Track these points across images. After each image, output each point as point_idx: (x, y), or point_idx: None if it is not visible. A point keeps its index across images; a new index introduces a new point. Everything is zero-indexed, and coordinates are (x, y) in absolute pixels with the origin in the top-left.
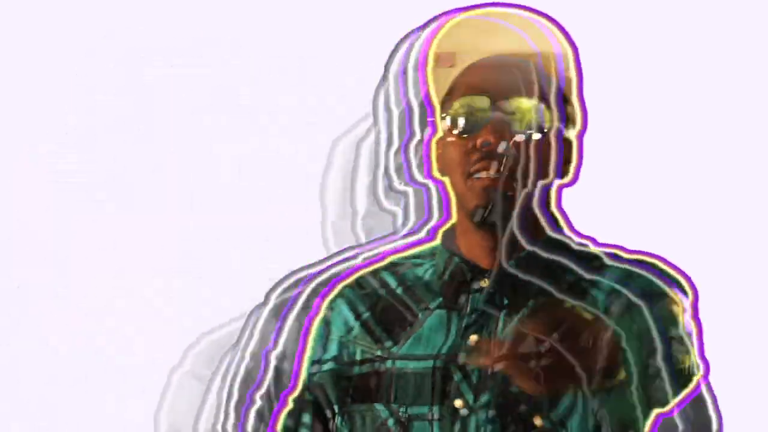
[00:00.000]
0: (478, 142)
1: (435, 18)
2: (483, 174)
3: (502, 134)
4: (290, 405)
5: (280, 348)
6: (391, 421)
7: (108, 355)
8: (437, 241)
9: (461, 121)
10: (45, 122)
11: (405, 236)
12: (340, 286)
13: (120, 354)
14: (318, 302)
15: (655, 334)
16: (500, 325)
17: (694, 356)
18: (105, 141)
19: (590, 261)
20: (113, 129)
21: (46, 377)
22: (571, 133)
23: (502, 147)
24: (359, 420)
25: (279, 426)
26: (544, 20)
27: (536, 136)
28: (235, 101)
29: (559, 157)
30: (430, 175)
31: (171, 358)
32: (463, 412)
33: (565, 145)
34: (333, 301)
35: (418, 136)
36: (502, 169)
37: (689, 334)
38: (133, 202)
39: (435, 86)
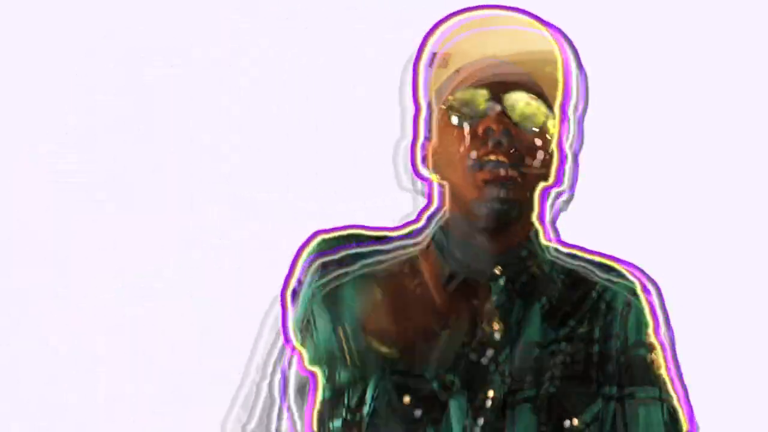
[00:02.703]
0: (480, 129)
1: (442, 20)
2: (490, 158)
3: (505, 123)
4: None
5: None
6: (435, 385)
7: (108, 355)
8: (433, 233)
9: (461, 112)
10: (45, 122)
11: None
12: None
13: (120, 354)
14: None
15: (642, 323)
16: (519, 333)
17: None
18: (105, 141)
19: (592, 268)
20: (113, 129)
21: (46, 377)
22: (555, 137)
23: (504, 136)
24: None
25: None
26: (538, 24)
27: (535, 131)
28: (235, 101)
29: (561, 162)
30: (418, 176)
31: (171, 358)
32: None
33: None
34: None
35: (422, 135)
36: (506, 157)
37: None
38: (133, 202)
39: (429, 85)
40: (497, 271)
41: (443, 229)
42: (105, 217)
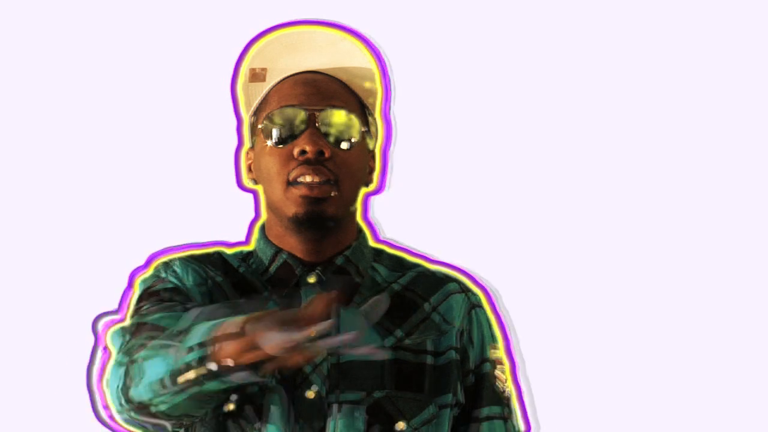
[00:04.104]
0: (295, 151)
1: (259, 35)
2: (301, 180)
3: (317, 144)
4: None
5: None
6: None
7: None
8: (255, 240)
9: (277, 132)
10: (45, 122)
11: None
12: (183, 255)
13: None
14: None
15: (486, 338)
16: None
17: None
18: (105, 141)
19: (406, 266)
20: (113, 129)
21: (46, 377)
22: (374, 145)
23: (315, 154)
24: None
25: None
26: (352, 38)
27: (346, 145)
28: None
29: (383, 167)
30: (240, 185)
31: None
32: (326, 407)
33: (371, 155)
34: (177, 264)
35: (248, 145)
36: (319, 176)
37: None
38: (133, 201)
39: (247, 100)
40: (309, 280)
41: (264, 238)
42: (105, 217)
